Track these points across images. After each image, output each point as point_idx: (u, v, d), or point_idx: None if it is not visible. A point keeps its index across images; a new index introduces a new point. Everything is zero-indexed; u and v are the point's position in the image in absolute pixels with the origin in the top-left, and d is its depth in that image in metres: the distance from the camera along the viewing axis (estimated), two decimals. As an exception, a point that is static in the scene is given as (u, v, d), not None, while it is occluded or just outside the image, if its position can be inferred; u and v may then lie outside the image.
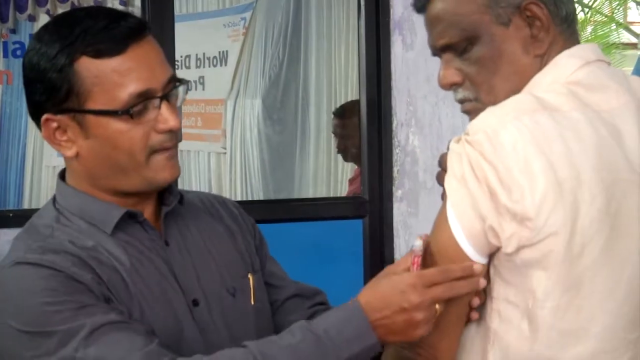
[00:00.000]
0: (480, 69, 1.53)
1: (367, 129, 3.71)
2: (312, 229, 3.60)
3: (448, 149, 1.49)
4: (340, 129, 4.51)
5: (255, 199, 5.75)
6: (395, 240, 3.69)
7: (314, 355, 1.46)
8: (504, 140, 1.40)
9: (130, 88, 1.55)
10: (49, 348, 1.47)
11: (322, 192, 5.49)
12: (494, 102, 1.50)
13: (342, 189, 5.15)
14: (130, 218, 1.64)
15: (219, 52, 6.06)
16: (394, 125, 3.71)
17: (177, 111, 1.62)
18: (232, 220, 1.84)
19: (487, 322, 1.48)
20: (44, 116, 1.58)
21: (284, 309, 1.84)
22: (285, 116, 5.74)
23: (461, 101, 1.58)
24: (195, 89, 6.11)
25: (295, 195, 5.63)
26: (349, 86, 5.29)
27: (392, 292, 1.46)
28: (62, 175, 1.69)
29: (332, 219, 3.68)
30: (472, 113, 1.54)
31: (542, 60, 1.52)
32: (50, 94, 1.57)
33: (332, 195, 5.37)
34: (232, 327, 1.70)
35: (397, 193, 3.74)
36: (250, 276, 1.78)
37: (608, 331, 1.44)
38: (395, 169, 3.74)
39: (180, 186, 4.83)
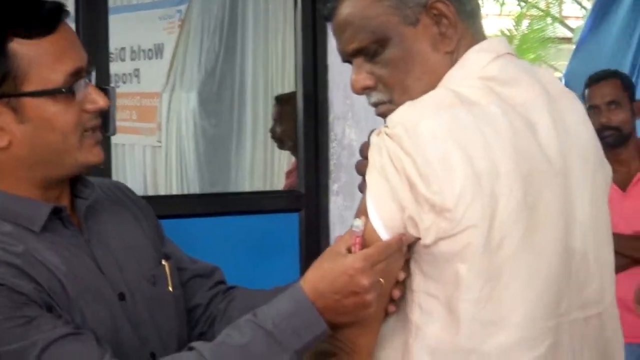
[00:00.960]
0: (393, 71, 1.54)
1: (303, 122, 3.71)
2: (248, 223, 3.59)
3: (369, 139, 1.51)
4: (280, 116, 4.52)
5: (191, 192, 5.71)
6: (332, 233, 3.69)
7: (267, 352, 1.45)
8: (423, 133, 1.41)
9: (64, 67, 1.54)
10: None
11: (259, 186, 5.47)
12: (399, 102, 1.51)
13: (279, 182, 5.13)
14: (53, 214, 1.59)
15: (154, 44, 6.00)
16: (331, 118, 3.71)
17: (102, 93, 1.59)
18: (134, 206, 1.81)
19: (407, 315, 1.49)
20: None
21: (186, 291, 1.81)
22: (222, 109, 5.71)
23: (375, 104, 1.60)
24: (131, 81, 6.05)
25: (232, 189, 5.60)
26: (285, 79, 5.27)
27: (341, 277, 1.45)
28: None
29: (269, 213, 3.67)
30: (387, 115, 1.54)
31: (452, 57, 1.54)
32: None
33: (269, 188, 5.35)
34: (156, 316, 1.68)
35: (334, 187, 3.74)
36: (165, 263, 1.75)
37: (528, 320, 1.46)
38: (331, 163, 3.74)
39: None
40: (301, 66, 3.70)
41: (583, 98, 3.81)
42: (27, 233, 1.56)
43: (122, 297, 1.63)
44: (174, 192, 5.75)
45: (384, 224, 1.45)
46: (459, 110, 1.44)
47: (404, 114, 1.45)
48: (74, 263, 1.58)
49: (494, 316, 1.44)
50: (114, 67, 5.38)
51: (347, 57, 1.59)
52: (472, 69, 1.52)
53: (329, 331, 1.47)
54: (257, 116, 5.52)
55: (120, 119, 5.50)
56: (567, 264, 1.51)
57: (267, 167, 5.47)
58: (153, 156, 6.06)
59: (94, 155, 1.59)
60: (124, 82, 6.03)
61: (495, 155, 1.42)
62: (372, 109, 1.62)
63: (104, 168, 4.22)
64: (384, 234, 1.45)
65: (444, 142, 1.41)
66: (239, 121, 5.62)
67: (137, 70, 6.11)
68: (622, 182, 3.65)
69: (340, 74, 3.67)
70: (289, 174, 4.61)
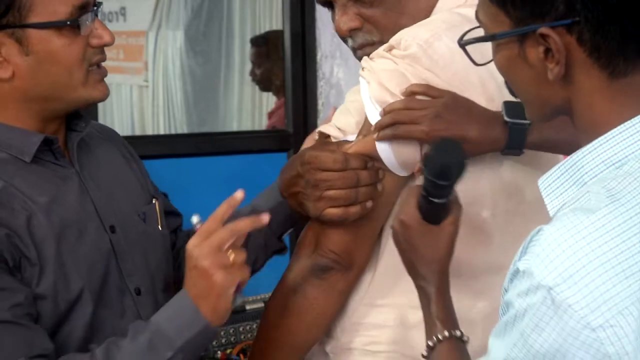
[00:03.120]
0: (387, 11, 1.53)
1: (291, 61, 3.69)
2: (236, 163, 3.58)
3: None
4: (257, 58, 4.50)
5: (178, 132, 5.69)
6: (320, 173, 3.69)
7: (146, 350, 1.44)
8: (440, 51, 1.41)
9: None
10: None
11: (246, 125, 5.46)
12: (387, 37, 1.52)
13: (265, 122, 5.13)
14: (44, 145, 1.58)
15: (140, -18, 5.94)
16: (319, 57, 3.69)
17: (108, 28, 1.59)
18: (123, 147, 1.81)
19: None
20: None
21: (170, 236, 1.84)
22: (209, 48, 5.67)
23: (362, 46, 1.58)
24: (117, 20, 5.98)
25: (220, 129, 5.59)
26: (273, 17, 5.23)
27: (188, 264, 1.46)
28: None
29: (257, 153, 3.67)
30: (363, 47, 1.56)
31: None
32: None
33: (257, 128, 5.34)
34: (145, 252, 1.69)
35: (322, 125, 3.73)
36: (155, 202, 1.76)
37: None
38: (320, 102, 3.73)
39: (102, 120, 4.75)
40: (288, 4, 3.67)
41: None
42: (14, 163, 1.55)
43: (112, 229, 1.63)
44: (162, 132, 5.73)
45: (399, 162, 1.45)
46: (467, 28, 1.43)
47: (415, 33, 1.44)
48: (62, 194, 1.57)
49: (524, 230, 1.46)
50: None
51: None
52: None
53: (213, 329, 1.46)
54: (245, 55, 5.48)
55: (108, 58, 5.46)
56: None
57: (256, 107, 5.45)
58: (140, 96, 6.03)
59: (99, 92, 1.59)
60: (110, 21, 5.96)
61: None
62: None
63: (90, 108, 4.22)
64: (394, 164, 1.46)
65: (463, 59, 1.37)
66: (226, 60, 5.59)
67: (123, 8, 6.04)
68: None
69: (327, 12, 3.64)
70: (271, 114, 4.61)
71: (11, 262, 1.46)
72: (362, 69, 1.49)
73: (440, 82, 1.40)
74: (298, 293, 1.53)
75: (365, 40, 1.57)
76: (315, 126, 3.74)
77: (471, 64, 1.37)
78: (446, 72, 1.40)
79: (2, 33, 1.51)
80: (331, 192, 1.45)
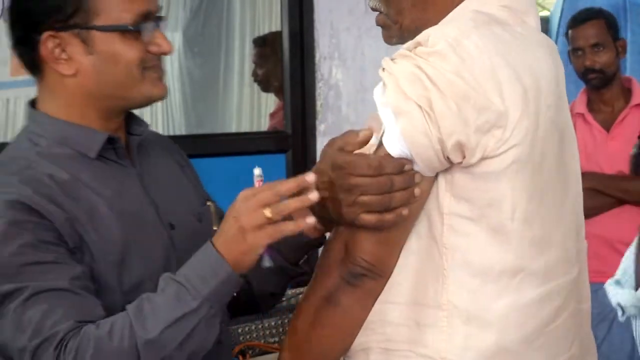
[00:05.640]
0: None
1: (289, 62, 3.69)
2: (235, 164, 3.59)
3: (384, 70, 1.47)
4: (259, 59, 4.50)
5: (177, 133, 5.69)
6: (319, 174, 3.69)
7: (178, 301, 1.52)
8: (469, 49, 1.40)
9: (135, 7, 1.67)
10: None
11: (246, 127, 5.45)
12: (401, 24, 1.53)
13: (266, 124, 5.13)
14: (107, 144, 1.70)
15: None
16: (317, 58, 3.70)
17: (167, 39, 1.73)
18: (177, 154, 1.94)
19: (436, 240, 1.47)
20: (45, 34, 1.64)
21: None
22: (207, 49, 5.66)
23: (373, 9, 1.60)
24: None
25: (219, 130, 5.59)
26: (272, 18, 5.24)
27: (229, 212, 1.54)
28: (32, 105, 1.75)
29: (255, 154, 3.68)
30: (383, 28, 1.56)
31: None
32: (57, 11, 1.64)
33: (256, 129, 5.34)
34: None
35: (321, 127, 3.74)
36: (210, 203, 1.87)
37: (566, 239, 1.51)
38: (318, 103, 3.74)
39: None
40: (287, 5, 3.68)
41: (567, 39, 3.80)
42: (80, 158, 1.68)
43: (172, 226, 1.74)
44: (160, 132, 5.72)
45: (417, 159, 1.43)
46: (496, 28, 1.44)
47: (443, 32, 1.43)
48: (125, 190, 1.70)
49: (542, 233, 1.46)
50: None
51: None
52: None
53: (237, 277, 1.53)
54: (244, 56, 5.48)
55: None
56: (580, 191, 1.57)
57: (254, 108, 5.45)
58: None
59: (157, 89, 1.72)
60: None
61: (536, 72, 1.44)
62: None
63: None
64: (426, 171, 1.44)
65: (491, 58, 1.39)
66: (225, 61, 5.59)
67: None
68: (606, 122, 3.66)
69: (325, 13, 3.66)
70: (272, 115, 4.61)
71: (71, 244, 1.58)
72: (383, 69, 1.47)
73: (461, 84, 1.38)
74: (332, 303, 1.49)
75: (375, 6, 1.58)
76: (313, 127, 3.75)
77: (499, 64, 1.39)
78: (472, 71, 1.38)
79: (69, 33, 1.64)
80: (365, 198, 1.43)
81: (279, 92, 4.07)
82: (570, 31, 3.75)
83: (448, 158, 1.42)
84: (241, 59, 5.49)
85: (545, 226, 1.47)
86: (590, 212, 3.62)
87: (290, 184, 1.51)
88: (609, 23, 3.73)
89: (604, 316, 3.63)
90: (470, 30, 1.42)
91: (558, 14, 4.90)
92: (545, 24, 6.26)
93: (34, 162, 1.65)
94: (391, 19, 1.55)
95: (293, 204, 1.50)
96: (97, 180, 1.67)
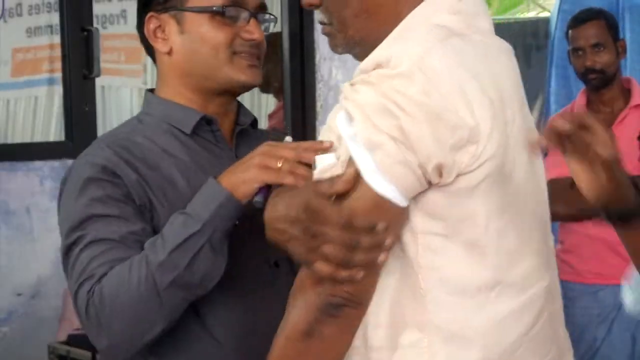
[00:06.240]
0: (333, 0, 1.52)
1: (289, 63, 3.70)
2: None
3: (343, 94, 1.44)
4: None
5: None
6: (319, 174, 3.70)
7: (181, 227, 1.63)
8: (435, 67, 1.35)
9: None
10: (65, 234, 1.71)
11: (245, 128, 5.46)
12: (345, 34, 1.51)
13: (265, 124, 5.13)
14: (206, 124, 1.81)
15: (140, -16, 5.94)
16: (317, 59, 3.71)
17: (261, 30, 1.82)
18: None
19: (410, 259, 1.43)
20: (149, 14, 1.81)
21: None
22: (208, 50, 5.68)
23: (321, 22, 1.57)
24: (118, 22, 6.00)
25: (219, 131, 5.58)
26: (272, 20, 5.25)
27: (243, 161, 1.65)
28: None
29: (255, 154, 3.68)
30: (329, 37, 1.54)
31: (397, 1, 1.48)
32: None
33: (255, 130, 5.34)
34: None
35: (320, 128, 3.74)
36: None
37: (542, 245, 1.49)
38: (318, 104, 3.74)
39: (101, 123, 4.77)
40: (287, 6, 3.68)
41: (567, 39, 3.80)
42: (178, 133, 1.80)
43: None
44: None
45: (399, 190, 1.37)
46: (456, 41, 1.40)
47: (405, 51, 1.38)
48: (210, 167, 1.76)
49: (516, 244, 1.44)
50: (101, 8, 5.35)
51: None
52: (440, 5, 1.47)
53: (235, 200, 1.62)
54: (243, 57, 5.50)
55: (108, 61, 5.47)
56: (546, 195, 1.55)
57: (254, 109, 5.47)
58: (140, 98, 6.05)
59: (245, 75, 1.79)
60: (111, 24, 5.98)
61: (500, 82, 1.41)
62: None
63: (88, 111, 4.23)
64: (402, 200, 1.38)
65: (457, 74, 1.36)
66: (225, 62, 5.59)
67: (124, 11, 6.06)
68: (605, 122, 3.64)
69: (326, 15, 3.66)
70: (272, 115, 4.61)
71: (139, 202, 1.71)
72: (345, 97, 1.42)
73: (431, 105, 1.34)
74: (313, 337, 1.43)
75: (321, 19, 1.56)
76: (313, 128, 3.75)
77: (465, 79, 1.35)
78: (440, 89, 1.34)
79: (167, 14, 1.80)
80: (326, 249, 1.37)
81: (278, 93, 4.07)
82: (570, 31, 3.74)
83: (429, 181, 1.38)
84: (241, 60, 5.50)
85: (519, 236, 1.44)
86: (589, 214, 3.64)
87: (308, 144, 1.56)
88: (610, 23, 3.72)
89: (604, 317, 3.63)
90: (432, 46, 1.37)
91: (555, 15, 4.90)
92: (545, 24, 6.27)
93: (130, 134, 1.80)
94: (335, 28, 1.52)
95: (301, 170, 1.55)
96: (185, 155, 1.78)
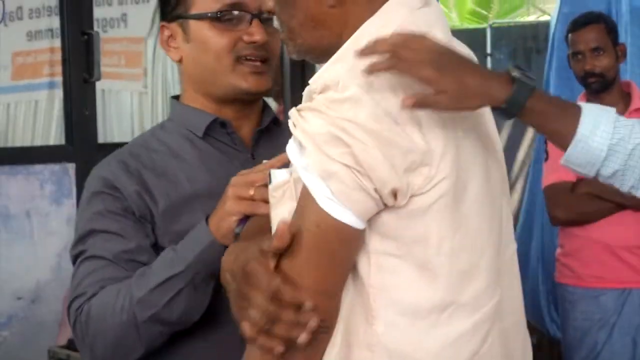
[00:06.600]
0: (282, 9, 1.52)
1: (289, 66, 3.70)
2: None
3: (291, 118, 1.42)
4: None
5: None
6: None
7: (166, 265, 1.65)
8: (382, 89, 1.33)
9: None
10: (72, 245, 1.77)
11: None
12: (295, 42, 1.51)
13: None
14: (221, 127, 1.82)
15: (141, -12, 5.95)
16: (317, 63, 3.70)
17: (264, 31, 1.78)
18: None
19: (362, 278, 1.41)
20: (161, 24, 1.84)
21: None
22: (208, 54, 5.68)
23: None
24: (118, 26, 6.00)
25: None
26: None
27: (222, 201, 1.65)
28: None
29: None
30: (284, 44, 1.54)
31: (343, 11, 1.46)
32: (166, 4, 1.83)
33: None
34: None
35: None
36: None
37: (492, 263, 1.45)
38: (318, 108, 3.73)
39: (101, 126, 4.76)
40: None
41: (567, 42, 3.80)
42: (191, 136, 1.82)
43: None
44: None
45: (356, 214, 1.35)
46: None
47: (352, 70, 1.35)
48: (220, 168, 1.78)
49: (469, 264, 1.42)
50: (102, 11, 5.35)
51: None
52: (391, 19, 1.43)
53: (218, 243, 1.62)
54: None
55: (109, 65, 5.47)
56: (507, 201, 1.54)
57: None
58: (140, 102, 6.05)
59: (248, 83, 1.78)
60: (112, 27, 5.99)
61: None
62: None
63: (89, 114, 4.23)
64: (360, 224, 1.36)
65: (404, 93, 1.33)
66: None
67: (124, 14, 6.06)
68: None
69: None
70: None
71: (138, 213, 1.73)
72: (293, 124, 1.41)
73: (381, 130, 1.32)
74: None
75: (277, 25, 1.57)
76: (313, 132, 3.75)
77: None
78: (390, 112, 1.32)
79: (175, 23, 1.81)
80: (251, 312, 1.36)
81: (278, 97, 4.07)
82: (570, 35, 3.74)
83: (385, 204, 1.36)
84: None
85: (471, 256, 1.42)
86: (589, 218, 3.64)
87: (275, 161, 1.56)
88: (609, 27, 3.72)
89: (605, 321, 3.62)
90: None
91: (555, 18, 4.89)
92: (545, 28, 6.27)
93: (148, 140, 1.83)
94: (286, 36, 1.52)
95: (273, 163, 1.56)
96: (194, 157, 1.79)
